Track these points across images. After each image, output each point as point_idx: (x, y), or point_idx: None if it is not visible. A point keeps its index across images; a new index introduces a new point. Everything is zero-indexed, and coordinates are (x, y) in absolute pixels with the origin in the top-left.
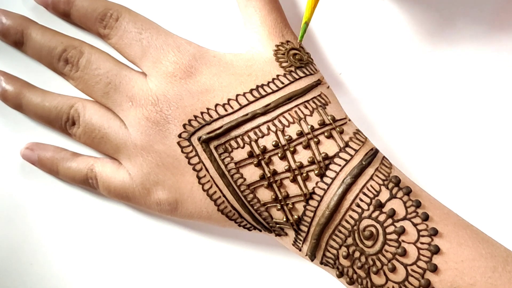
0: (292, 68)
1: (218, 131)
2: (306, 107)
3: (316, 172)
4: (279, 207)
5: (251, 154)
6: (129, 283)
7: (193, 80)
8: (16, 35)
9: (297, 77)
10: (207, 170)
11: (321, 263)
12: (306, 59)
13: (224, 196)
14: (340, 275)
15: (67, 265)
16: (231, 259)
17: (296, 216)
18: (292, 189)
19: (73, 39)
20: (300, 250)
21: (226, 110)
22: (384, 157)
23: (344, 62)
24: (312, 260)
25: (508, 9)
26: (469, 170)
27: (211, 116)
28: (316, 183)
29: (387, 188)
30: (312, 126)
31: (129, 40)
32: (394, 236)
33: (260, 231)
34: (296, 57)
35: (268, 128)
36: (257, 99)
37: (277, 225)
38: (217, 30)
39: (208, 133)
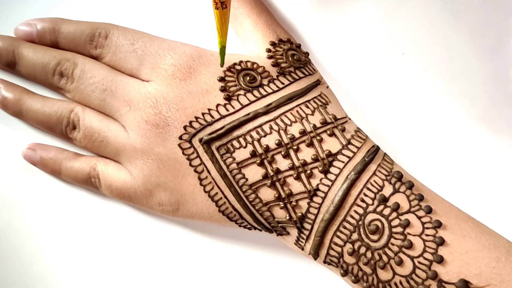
0: (292, 69)
1: (220, 131)
2: (307, 107)
3: (320, 169)
4: (282, 206)
5: (253, 154)
6: (130, 283)
7: (193, 81)
8: (8, 56)
9: (296, 77)
10: (208, 171)
11: (325, 262)
12: (304, 60)
13: (225, 197)
14: (345, 273)
15: (67, 265)
16: (232, 259)
17: (299, 214)
18: (296, 186)
19: (65, 52)
20: (302, 249)
21: (227, 110)
22: (385, 153)
23: (342, 62)
24: (315, 259)
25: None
26: (465, 169)
27: (212, 117)
28: (320, 180)
29: (390, 183)
30: (314, 125)
31: (123, 54)
32: (399, 229)
33: (261, 231)
34: (295, 57)
35: (271, 128)
36: (258, 99)
37: (279, 225)
38: (212, 33)
39: (210, 134)
